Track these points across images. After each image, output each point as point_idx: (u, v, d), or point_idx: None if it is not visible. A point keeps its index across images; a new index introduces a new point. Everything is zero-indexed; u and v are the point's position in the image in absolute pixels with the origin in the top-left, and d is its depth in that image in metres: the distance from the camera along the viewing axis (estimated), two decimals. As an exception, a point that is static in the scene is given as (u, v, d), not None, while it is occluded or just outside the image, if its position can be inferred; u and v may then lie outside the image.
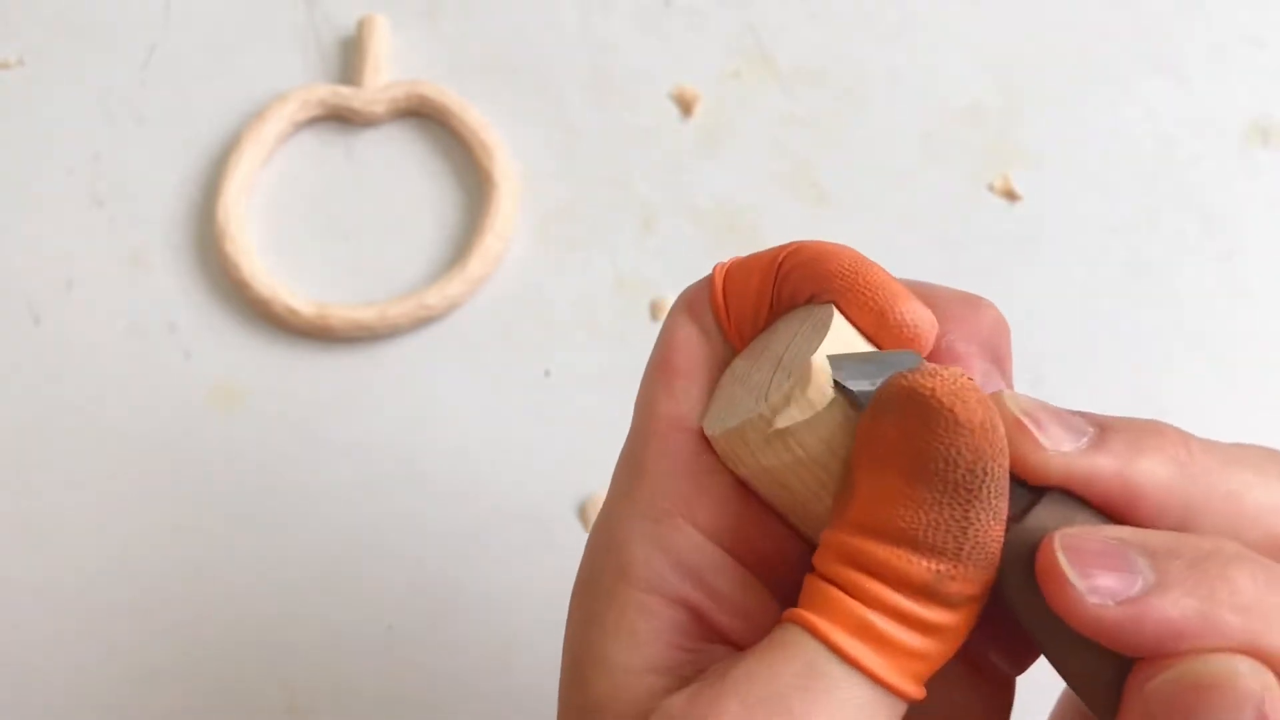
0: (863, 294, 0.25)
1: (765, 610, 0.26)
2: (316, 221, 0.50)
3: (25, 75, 0.52)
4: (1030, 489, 0.24)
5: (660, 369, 0.28)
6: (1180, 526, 0.24)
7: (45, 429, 0.47)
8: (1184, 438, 0.24)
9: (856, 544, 0.23)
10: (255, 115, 0.51)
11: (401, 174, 0.51)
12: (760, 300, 0.27)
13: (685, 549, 0.26)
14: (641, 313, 0.48)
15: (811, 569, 0.24)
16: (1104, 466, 0.23)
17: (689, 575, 0.25)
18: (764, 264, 0.27)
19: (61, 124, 0.51)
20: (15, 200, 0.50)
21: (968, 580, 0.23)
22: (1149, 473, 0.23)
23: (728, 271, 0.28)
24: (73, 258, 0.49)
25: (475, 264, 0.48)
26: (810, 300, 0.26)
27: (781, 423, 0.24)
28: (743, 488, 0.26)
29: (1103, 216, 0.49)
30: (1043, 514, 0.23)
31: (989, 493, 0.22)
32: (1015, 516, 0.23)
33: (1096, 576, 0.22)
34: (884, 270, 0.26)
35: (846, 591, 0.23)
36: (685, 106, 0.51)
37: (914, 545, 0.22)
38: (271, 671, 0.44)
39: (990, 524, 0.23)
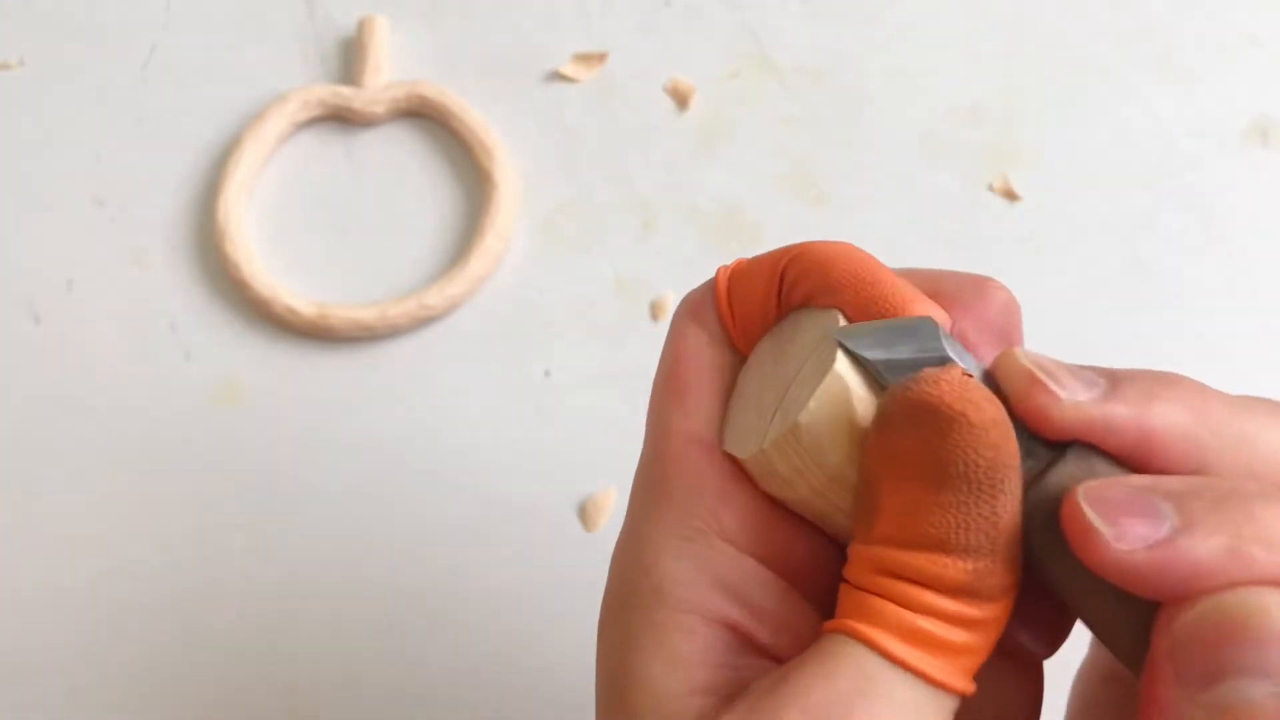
0: (871, 305, 0.25)
1: (803, 620, 0.26)
2: (316, 221, 0.50)
3: (25, 75, 0.52)
4: (1048, 445, 0.24)
5: (670, 383, 0.28)
6: (1197, 471, 0.24)
7: (45, 429, 0.47)
8: (1196, 385, 0.25)
9: (891, 555, 0.23)
10: (255, 115, 0.51)
11: (401, 174, 0.51)
12: (767, 306, 0.27)
13: (722, 566, 0.25)
14: (641, 313, 0.48)
15: (843, 580, 0.24)
16: (1120, 414, 0.24)
17: (728, 592, 0.25)
18: (767, 268, 0.27)
19: (61, 124, 0.51)
20: (15, 200, 0.50)
21: (1004, 571, 0.23)
22: (1164, 419, 0.24)
23: (731, 275, 0.28)
24: (73, 258, 0.49)
25: (475, 264, 0.48)
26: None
27: (806, 443, 0.24)
28: (769, 497, 0.26)
29: (1103, 216, 0.49)
30: (1064, 469, 0.23)
31: (1011, 483, 0.23)
32: (1036, 474, 0.24)
33: (1123, 524, 0.22)
34: (888, 272, 0.26)
35: (889, 600, 0.23)
36: (681, 99, 0.51)
37: (948, 549, 0.23)
38: (271, 671, 0.44)
39: (1016, 511, 0.23)
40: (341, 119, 0.51)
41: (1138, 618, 0.22)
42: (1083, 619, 0.24)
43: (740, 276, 0.28)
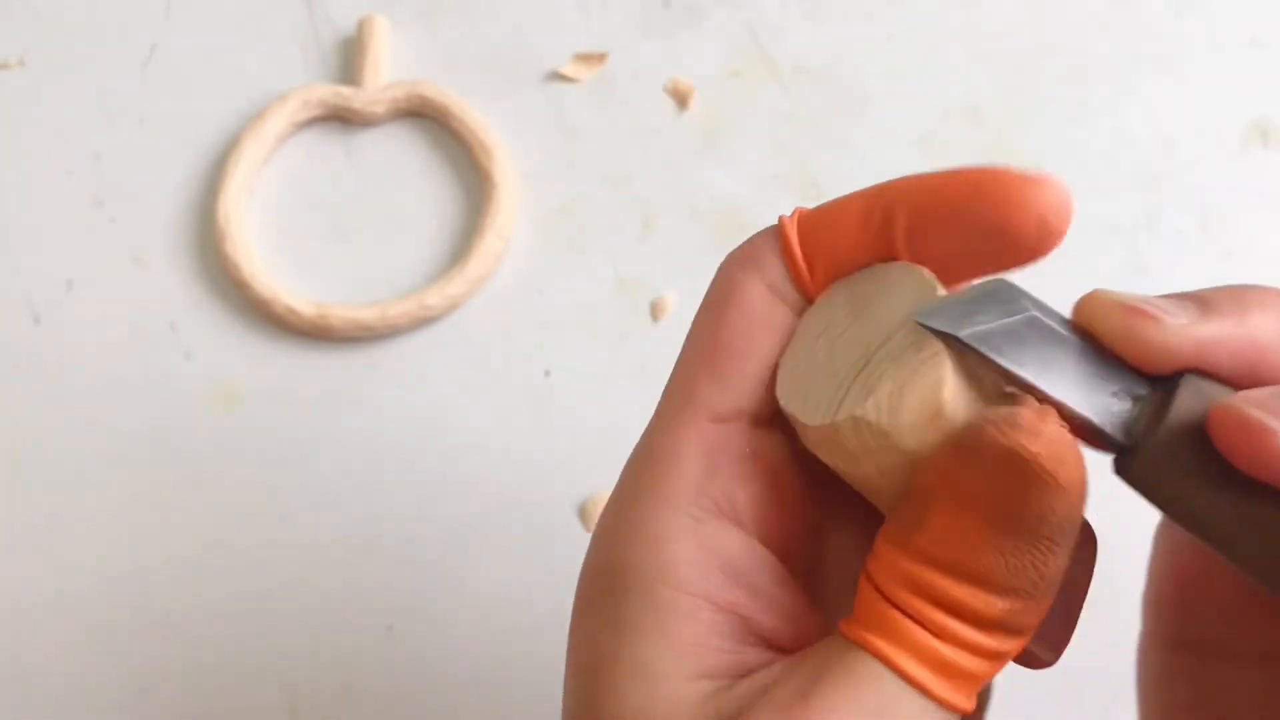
0: (1015, 205, 0.24)
1: (800, 606, 0.25)
2: (316, 221, 0.50)
3: (25, 75, 0.52)
4: (1147, 380, 0.23)
5: (709, 345, 0.26)
6: None
7: (45, 429, 0.47)
8: (1276, 291, 0.24)
9: (928, 576, 0.23)
10: (255, 115, 0.51)
11: (401, 174, 0.51)
12: (860, 250, 0.25)
13: (733, 551, 0.25)
14: (641, 313, 0.48)
15: (865, 572, 0.24)
16: (1225, 331, 0.23)
17: (736, 579, 0.25)
18: (861, 212, 0.25)
19: (61, 124, 0.51)
20: (15, 200, 0.50)
21: (1038, 613, 0.23)
22: (1265, 328, 0.23)
23: (802, 221, 0.26)
24: (73, 258, 0.49)
25: (475, 264, 0.48)
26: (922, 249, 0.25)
27: (886, 426, 0.23)
28: (782, 478, 0.26)
29: (1103, 216, 0.49)
30: (1187, 399, 0.23)
31: (1071, 539, 0.22)
32: (1155, 413, 0.23)
33: None
34: (1002, 167, 0.24)
35: (917, 621, 0.23)
36: (681, 99, 0.51)
37: (991, 587, 0.22)
38: (271, 672, 0.44)
39: (1065, 563, 0.23)
40: (341, 119, 0.51)
41: None
42: (1225, 551, 0.23)
43: (819, 222, 0.26)
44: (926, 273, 0.24)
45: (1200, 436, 0.22)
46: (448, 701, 0.43)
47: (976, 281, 0.24)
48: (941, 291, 0.24)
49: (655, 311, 0.48)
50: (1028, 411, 0.22)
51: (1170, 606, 0.29)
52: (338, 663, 0.44)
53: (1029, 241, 0.24)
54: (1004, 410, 0.22)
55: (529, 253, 0.49)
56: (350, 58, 0.52)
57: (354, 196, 0.50)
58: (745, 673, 0.24)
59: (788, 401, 0.25)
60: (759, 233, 0.27)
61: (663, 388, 0.26)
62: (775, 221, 0.26)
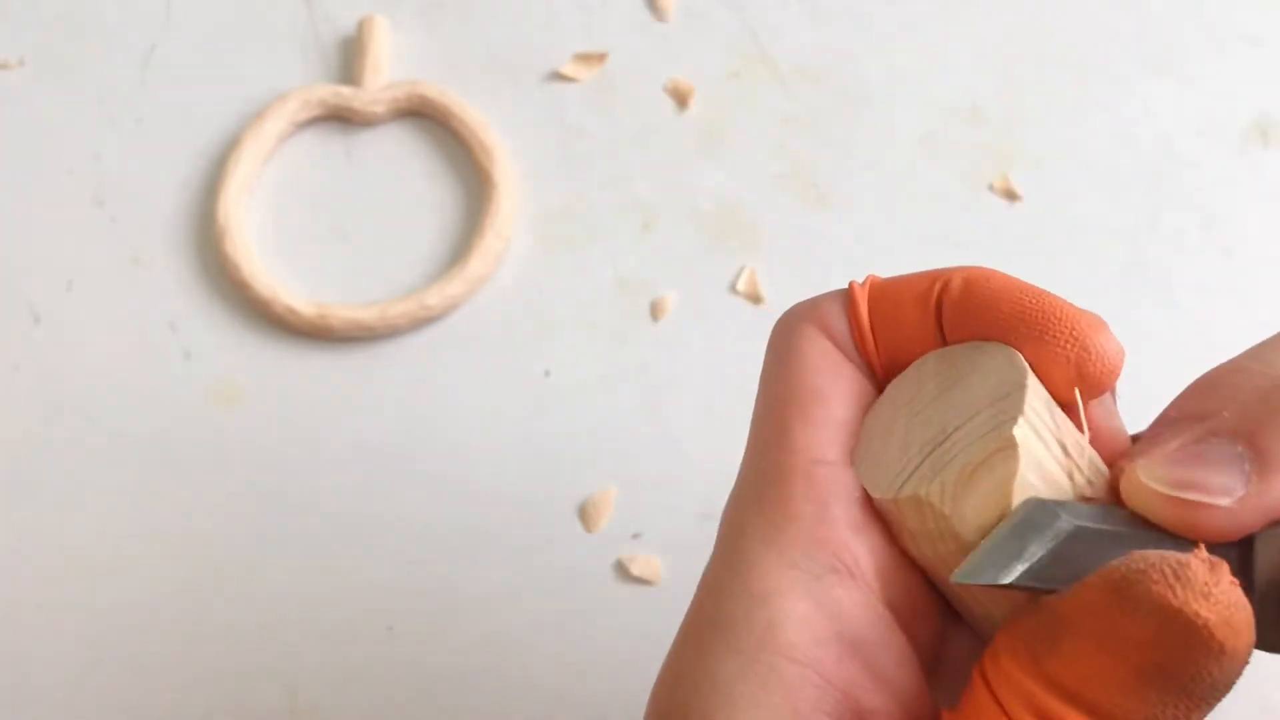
0: (1058, 342, 0.23)
1: (916, 691, 0.23)
2: (316, 221, 0.50)
3: (25, 75, 0.52)
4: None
5: (794, 389, 0.24)
6: None
7: (45, 429, 0.47)
8: None
9: (1055, 705, 0.21)
10: (255, 115, 0.51)
11: (401, 174, 0.51)
12: (922, 332, 0.25)
13: (852, 614, 0.22)
14: (642, 313, 0.48)
15: (980, 672, 0.22)
16: None
17: (852, 649, 0.22)
18: (919, 293, 0.25)
19: (61, 124, 0.51)
20: (15, 200, 0.50)
21: None
22: None
23: (870, 293, 0.25)
24: (73, 258, 0.49)
25: (475, 264, 0.48)
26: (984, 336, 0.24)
27: (949, 511, 0.22)
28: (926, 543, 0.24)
29: (1103, 216, 0.49)
30: (1266, 556, 0.22)
31: (1222, 696, 0.21)
32: (1239, 568, 0.22)
33: None
34: (1069, 304, 0.23)
35: None
36: (681, 99, 0.51)
37: None
38: (271, 672, 0.44)
39: (1208, 713, 0.21)
40: (341, 119, 0.51)
41: None
42: None
43: (887, 296, 0.25)
44: (1019, 357, 0.23)
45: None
46: (448, 701, 0.43)
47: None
48: (1031, 378, 0.23)
49: (655, 311, 0.48)
50: (1199, 564, 0.20)
51: None
52: (338, 663, 0.44)
53: (1063, 377, 0.23)
54: (1172, 558, 0.20)
55: (529, 253, 0.49)
56: (350, 58, 0.52)
57: (354, 196, 0.50)
58: None
59: (860, 467, 0.24)
60: (826, 294, 0.26)
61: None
62: (846, 280, 0.26)
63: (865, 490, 0.24)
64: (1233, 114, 0.50)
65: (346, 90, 0.51)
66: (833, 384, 0.25)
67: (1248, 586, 0.21)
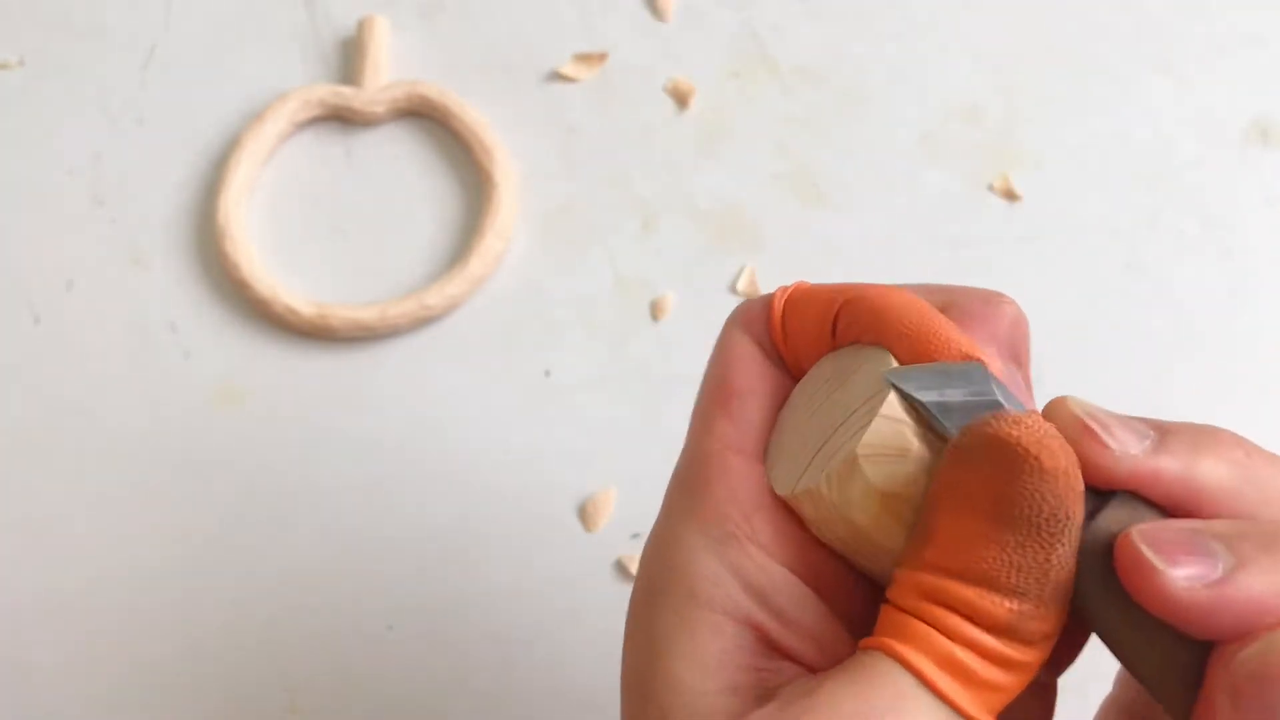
0: (924, 355, 0.26)
1: (830, 632, 0.26)
2: (316, 221, 0.50)
3: (25, 75, 0.52)
4: (1095, 492, 0.24)
5: (720, 389, 0.28)
6: None
7: (45, 429, 0.47)
8: (1239, 440, 0.25)
9: (939, 583, 0.24)
10: (255, 115, 0.51)
11: (401, 174, 0.51)
12: (820, 338, 0.28)
13: (751, 570, 0.26)
14: (642, 313, 0.48)
15: (885, 600, 0.25)
16: (1168, 467, 0.24)
17: (757, 596, 0.26)
18: (823, 302, 0.28)
19: (61, 124, 0.51)
20: (15, 200, 0.50)
21: (1047, 619, 0.24)
22: (1210, 473, 0.24)
23: (789, 298, 0.29)
24: (73, 258, 0.49)
25: (475, 264, 0.48)
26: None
27: (892, 431, 0.25)
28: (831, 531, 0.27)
29: (1103, 216, 0.49)
30: (1112, 514, 0.24)
31: (1070, 535, 0.23)
32: (1084, 518, 0.24)
33: (1180, 563, 0.22)
34: (942, 322, 0.26)
35: (932, 626, 0.24)
36: (681, 99, 0.51)
37: (997, 586, 0.23)
38: (271, 672, 0.44)
39: (1070, 564, 0.23)
40: (341, 119, 0.51)
41: (1188, 656, 0.23)
42: (1127, 663, 0.24)
43: (796, 303, 0.28)
44: (888, 356, 0.26)
45: (1109, 551, 0.24)
46: (448, 701, 0.43)
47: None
48: (894, 360, 0.26)
49: (655, 311, 0.48)
50: (1011, 409, 0.24)
51: (1129, 676, 0.29)
52: (338, 663, 0.44)
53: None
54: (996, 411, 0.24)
55: (529, 253, 0.49)
56: (350, 58, 0.52)
57: (354, 196, 0.50)
58: (775, 686, 0.25)
59: (769, 468, 0.27)
60: (760, 297, 0.29)
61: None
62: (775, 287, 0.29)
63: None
64: (1233, 114, 0.50)
65: (346, 90, 0.51)
66: (753, 383, 0.28)
67: (1083, 535, 0.24)
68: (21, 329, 0.48)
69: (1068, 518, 0.23)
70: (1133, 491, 0.24)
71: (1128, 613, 0.23)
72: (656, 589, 0.27)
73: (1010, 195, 0.49)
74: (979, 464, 0.23)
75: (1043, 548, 0.23)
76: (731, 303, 0.48)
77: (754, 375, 0.28)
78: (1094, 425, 0.24)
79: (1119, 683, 0.30)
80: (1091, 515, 0.24)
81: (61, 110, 0.52)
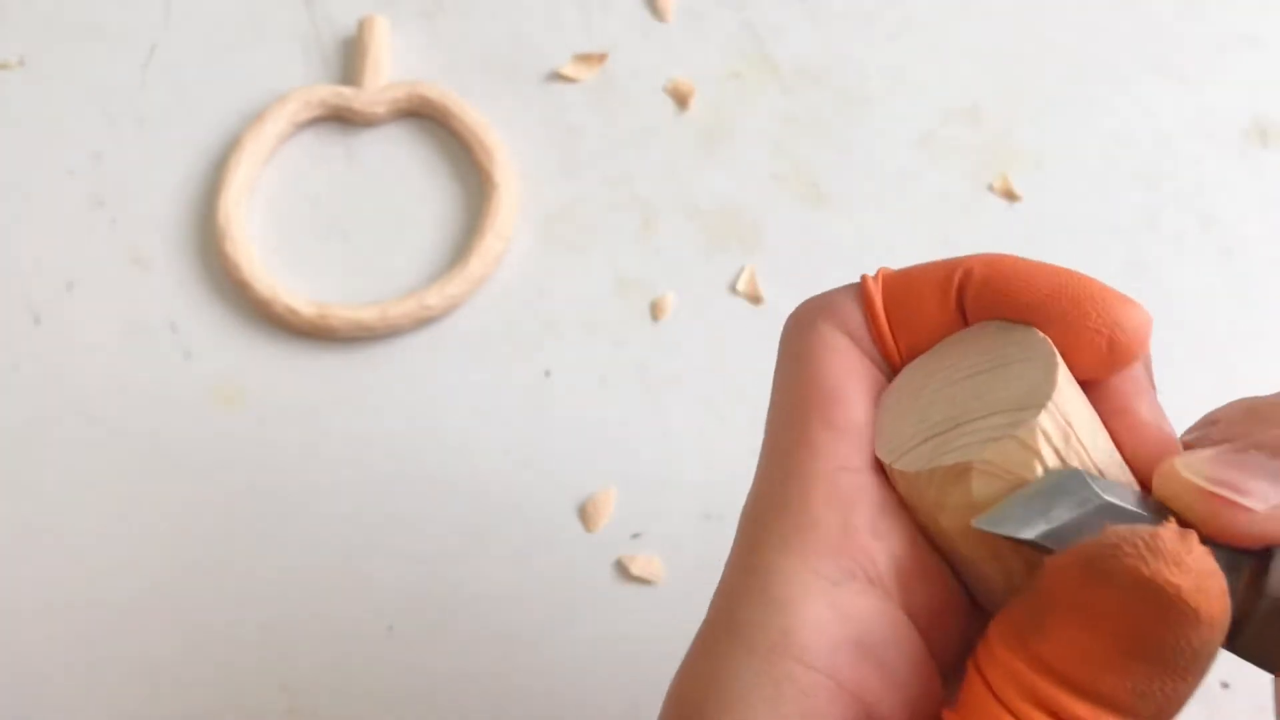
0: (1085, 321, 0.23)
1: (928, 693, 0.23)
2: (316, 221, 0.50)
3: (25, 75, 0.52)
4: (1246, 551, 0.22)
5: (812, 393, 0.24)
6: None
7: (45, 429, 0.47)
8: None
9: (1046, 687, 0.21)
10: (255, 115, 0.51)
11: (401, 174, 0.51)
12: (944, 321, 0.25)
13: (870, 621, 0.23)
14: (642, 313, 0.48)
15: (975, 665, 0.22)
16: None
17: (869, 657, 0.22)
18: (937, 281, 0.25)
19: (61, 124, 0.51)
20: (15, 200, 0.50)
21: None
22: None
23: (885, 285, 0.25)
24: (73, 258, 0.49)
25: (475, 264, 0.48)
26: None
27: (1019, 455, 0.22)
28: (921, 534, 0.24)
29: (1103, 216, 0.49)
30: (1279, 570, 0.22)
31: (1205, 668, 0.21)
32: (1249, 582, 0.22)
33: None
34: (1098, 282, 0.23)
35: None
36: (680, 100, 0.51)
37: (1113, 708, 0.21)
38: (271, 672, 0.44)
39: (1196, 688, 0.21)
40: (341, 119, 0.51)
41: None
42: None
43: (902, 286, 0.25)
44: (1049, 344, 0.23)
45: None
46: (448, 701, 0.43)
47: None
48: (1063, 372, 0.23)
49: (655, 311, 0.48)
50: (1169, 534, 0.20)
51: None
52: (338, 663, 0.44)
53: (1096, 352, 0.23)
54: (1144, 530, 0.21)
55: (529, 253, 0.49)
56: (350, 58, 0.52)
57: (354, 196, 0.50)
58: None
59: (878, 448, 0.24)
60: (838, 288, 0.26)
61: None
62: (860, 275, 0.26)
63: (886, 479, 0.24)
64: (1233, 114, 0.50)
65: (347, 90, 0.51)
66: (852, 384, 0.24)
67: (1259, 599, 0.22)
68: (21, 329, 0.48)
69: (1211, 656, 0.21)
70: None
71: None
72: (743, 633, 0.22)
73: (1010, 195, 0.49)
74: (1120, 593, 0.20)
75: (1176, 681, 0.21)
76: (731, 302, 0.48)
77: (854, 375, 0.24)
78: (1221, 491, 0.22)
79: None
80: (1256, 575, 0.22)
81: (61, 110, 0.52)
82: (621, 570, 0.44)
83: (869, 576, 0.23)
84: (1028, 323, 0.24)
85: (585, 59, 0.52)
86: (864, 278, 0.25)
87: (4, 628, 0.45)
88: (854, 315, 0.25)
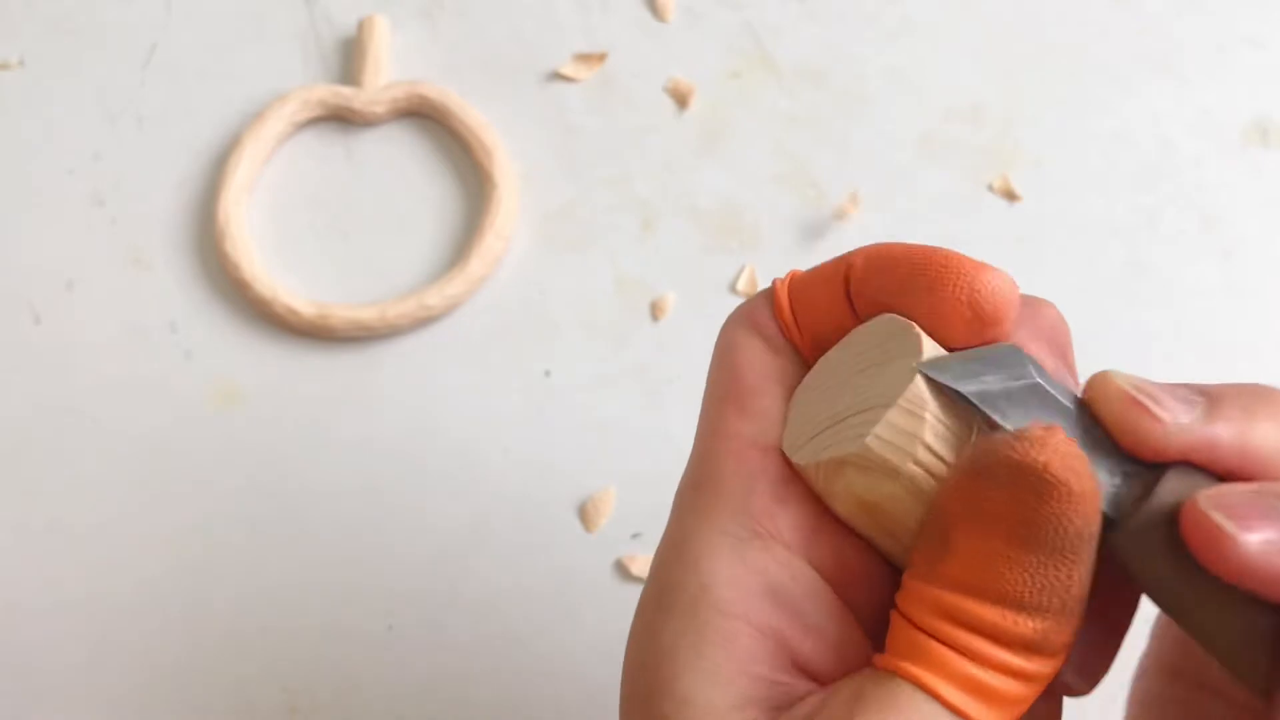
0: (948, 285, 0.25)
1: (847, 637, 0.25)
2: (316, 221, 0.50)
3: (25, 75, 0.52)
4: (1143, 465, 0.24)
5: (729, 386, 0.27)
6: None
7: (45, 429, 0.47)
8: None
9: (958, 602, 0.23)
10: (255, 115, 0.51)
11: (401, 174, 0.51)
12: (836, 312, 0.27)
13: (774, 570, 0.25)
14: (642, 313, 0.48)
15: (895, 608, 0.24)
16: (1223, 435, 0.23)
17: (777, 600, 0.25)
18: (829, 275, 0.27)
19: (61, 124, 0.52)
20: (15, 200, 0.50)
21: (1068, 630, 0.23)
22: (1266, 436, 0.24)
23: (790, 285, 0.28)
24: (73, 258, 0.49)
25: (475, 264, 0.48)
26: (884, 310, 0.26)
27: (883, 451, 0.24)
28: (826, 505, 0.26)
29: (1103, 216, 0.49)
30: (1170, 486, 0.23)
31: (1090, 551, 0.23)
32: (1139, 494, 0.24)
33: (1253, 527, 0.22)
34: (957, 253, 0.25)
35: (953, 648, 0.23)
36: (680, 99, 0.51)
37: (1020, 606, 0.23)
38: (272, 672, 0.44)
39: (1089, 575, 0.23)
40: (341, 119, 0.51)
41: (1267, 626, 0.22)
42: (1199, 636, 0.24)
43: (802, 285, 0.28)
44: (918, 337, 0.25)
45: (1176, 525, 0.23)
46: (448, 701, 0.43)
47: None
48: (928, 345, 0.25)
49: (655, 311, 0.48)
50: (1035, 427, 0.23)
51: (1173, 636, 0.29)
52: (338, 663, 0.44)
53: (961, 319, 0.25)
54: (1011, 430, 0.23)
55: (529, 253, 0.49)
56: (350, 58, 0.52)
57: (354, 196, 0.50)
58: (788, 703, 0.24)
59: (786, 447, 0.26)
60: (759, 293, 0.28)
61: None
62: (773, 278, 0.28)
63: (789, 469, 0.26)
64: (1233, 114, 0.50)
65: (346, 90, 0.51)
66: (764, 380, 0.27)
67: (1139, 512, 0.23)
68: (21, 329, 0.48)
69: (1092, 536, 0.23)
70: (1186, 462, 0.24)
71: (1197, 585, 0.23)
72: (667, 595, 0.25)
73: (1010, 195, 0.49)
74: (1002, 485, 0.23)
75: (1067, 566, 0.23)
76: (732, 302, 0.48)
77: (764, 370, 0.27)
78: (1142, 398, 0.24)
79: (1160, 641, 0.29)
80: (1148, 490, 0.23)
81: (61, 110, 0.52)
82: (621, 570, 0.44)
83: (771, 535, 0.25)
84: (902, 305, 0.26)
85: (585, 59, 0.52)
86: (774, 281, 0.28)
87: (5, 627, 0.45)
88: (767, 318, 0.28)
